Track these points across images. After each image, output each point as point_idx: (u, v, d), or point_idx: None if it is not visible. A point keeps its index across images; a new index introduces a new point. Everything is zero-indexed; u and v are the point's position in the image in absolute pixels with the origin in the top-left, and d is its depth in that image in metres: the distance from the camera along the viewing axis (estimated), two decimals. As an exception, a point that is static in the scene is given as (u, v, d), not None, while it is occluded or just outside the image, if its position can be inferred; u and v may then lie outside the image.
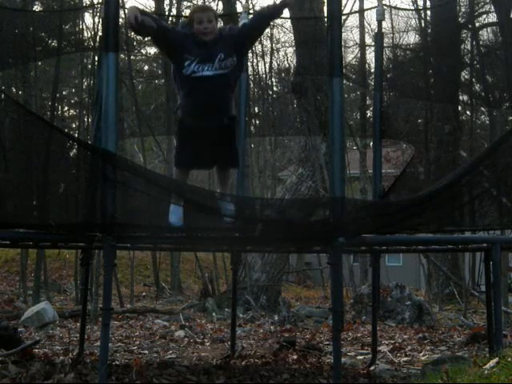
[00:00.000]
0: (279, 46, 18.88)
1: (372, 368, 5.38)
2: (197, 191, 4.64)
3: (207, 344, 6.92)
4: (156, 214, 4.43)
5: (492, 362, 3.72)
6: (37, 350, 5.74)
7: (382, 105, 5.74)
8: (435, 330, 8.16)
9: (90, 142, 5.26)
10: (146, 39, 18.19)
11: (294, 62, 12.54)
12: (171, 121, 14.21)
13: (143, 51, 20.34)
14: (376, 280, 5.76)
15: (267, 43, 18.08)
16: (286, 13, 9.88)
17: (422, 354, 6.15)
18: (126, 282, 16.40)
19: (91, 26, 12.97)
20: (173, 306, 12.38)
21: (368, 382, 4.80)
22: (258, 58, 17.49)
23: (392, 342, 7.03)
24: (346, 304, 10.09)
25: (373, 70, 6.72)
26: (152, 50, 20.71)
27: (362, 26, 17.96)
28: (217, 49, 4.41)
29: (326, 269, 15.02)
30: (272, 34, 18.04)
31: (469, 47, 7.53)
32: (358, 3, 18.89)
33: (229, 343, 6.19)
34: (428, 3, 13.02)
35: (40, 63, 12.03)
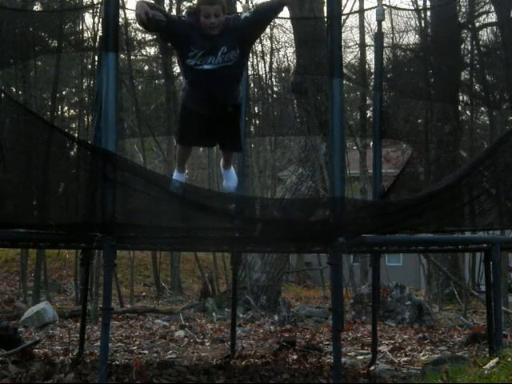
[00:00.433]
0: (279, 46, 18.87)
1: (372, 368, 5.38)
2: (197, 191, 4.65)
3: (207, 344, 6.92)
4: (156, 214, 4.42)
5: (492, 362, 3.72)
6: (37, 350, 5.74)
7: (382, 105, 5.74)
8: (435, 330, 8.16)
9: (90, 142, 5.25)
10: (149, 37, 18.24)
11: (294, 62, 12.53)
12: (171, 121, 14.20)
13: (143, 51, 20.34)
14: (376, 280, 5.76)
15: (267, 43, 18.06)
16: (286, 13, 9.89)
17: (421, 354, 6.15)
18: (126, 281, 16.40)
19: (91, 25, 12.95)
20: (173, 306, 12.39)
21: (368, 381, 4.80)
22: (258, 58, 17.47)
23: (392, 341, 7.03)
24: (346, 304, 10.09)
25: (373, 70, 6.72)
26: (152, 50, 20.73)
27: (362, 26, 17.96)
28: (221, 42, 4.32)
29: (326, 269, 15.03)
30: (272, 34, 18.02)
31: (469, 47, 7.53)
32: (357, 3, 18.90)
33: (229, 343, 6.19)
34: (428, 3, 13.02)
35: (40, 63, 12.03)
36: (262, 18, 4.50)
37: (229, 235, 4.54)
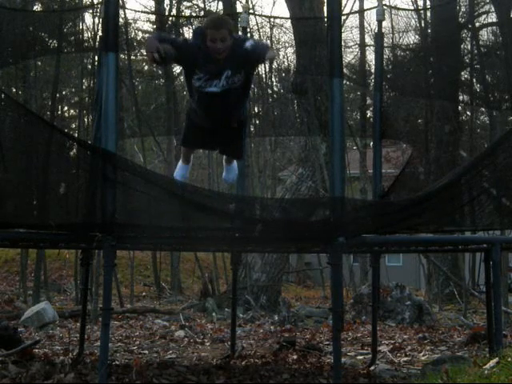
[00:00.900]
0: (279, 46, 18.85)
1: (372, 368, 5.38)
2: (197, 191, 4.65)
3: (207, 344, 6.92)
4: (156, 214, 4.42)
5: (492, 362, 3.72)
6: (37, 350, 5.74)
7: (382, 105, 5.74)
8: (435, 330, 8.15)
9: (90, 142, 5.26)
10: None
11: (294, 62, 12.52)
12: (171, 121, 14.21)
13: (143, 51, 20.31)
14: (376, 280, 5.76)
15: (267, 43, 18.05)
16: (286, 13, 9.89)
17: (421, 354, 6.14)
18: (126, 281, 16.40)
19: (91, 26, 12.95)
20: (173, 306, 12.39)
21: (368, 382, 4.80)
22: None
23: (392, 341, 7.02)
24: (346, 304, 10.09)
25: (373, 70, 6.72)
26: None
27: (361, 26, 17.93)
28: (225, 65, 4.29)
29: (326, 269, 15.03)
30: (272, 34, 18.03)
31: (469, 47, 7.52)
32: (357, 3, 18.90)
33: (229, 343, 6.19)
34: (428, 3, 13.01)
35: (40, 63, 12.03)
36: (256, 60, 4.42)
37: (229, 235, 4.54)
